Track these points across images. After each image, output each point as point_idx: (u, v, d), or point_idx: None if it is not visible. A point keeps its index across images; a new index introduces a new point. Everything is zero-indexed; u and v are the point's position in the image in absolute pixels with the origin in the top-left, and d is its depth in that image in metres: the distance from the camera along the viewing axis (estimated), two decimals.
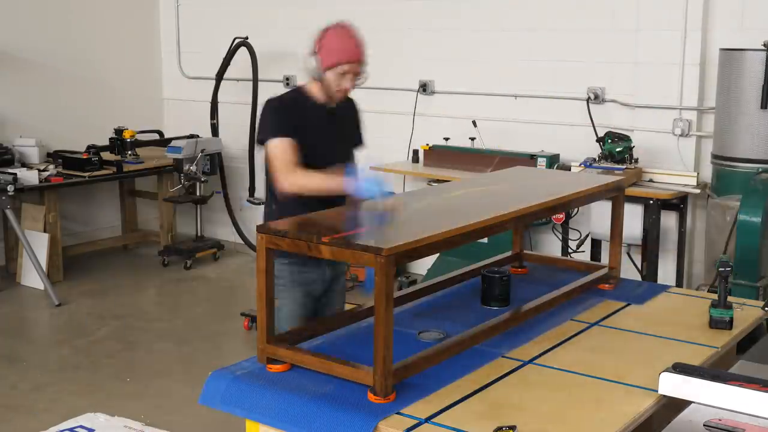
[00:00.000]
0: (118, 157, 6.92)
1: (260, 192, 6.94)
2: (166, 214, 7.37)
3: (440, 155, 6.12)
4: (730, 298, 3.02)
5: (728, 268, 2.93)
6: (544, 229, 5.98)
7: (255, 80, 7.04)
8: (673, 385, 2.31)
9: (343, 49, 3.11)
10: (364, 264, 2.35)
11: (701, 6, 5.23)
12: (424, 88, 6.49)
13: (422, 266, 6.15)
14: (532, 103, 6.02)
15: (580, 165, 5.35)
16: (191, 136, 7.37)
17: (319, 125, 3.20)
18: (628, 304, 3.23)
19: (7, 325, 5.79)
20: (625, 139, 5.28)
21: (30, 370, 4.96)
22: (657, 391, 2.36)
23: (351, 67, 3.12)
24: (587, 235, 5.58)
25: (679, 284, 5.34)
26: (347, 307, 3.34)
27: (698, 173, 5.27)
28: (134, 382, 4.78)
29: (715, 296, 2.99)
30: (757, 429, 2.10)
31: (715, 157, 4.97)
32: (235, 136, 7.46)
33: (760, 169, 4.66)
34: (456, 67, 6.36)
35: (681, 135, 5.37)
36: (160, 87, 8.14)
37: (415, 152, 6.31)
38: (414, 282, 5.96)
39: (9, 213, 6.15)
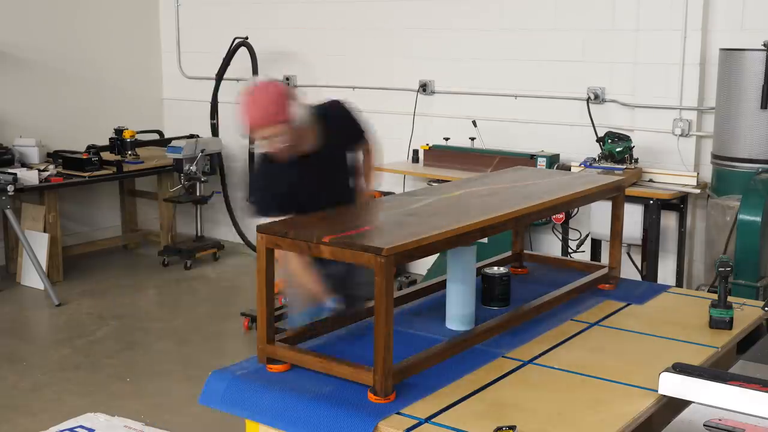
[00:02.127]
0: (118, 157, 6.92)
1: None
2: (166, 214, 7.36)
3: (440, 155, 6.12)
4: (730, 298, 3.02)
5: (728, 268, 2.93)
6: (544, 229, 5.98)
7: None
8: (673, 385, 2.31)
9: (244, 118, 2.89)
10: (365, 263, 2.34)
11: (701, 6, 5.23)
12: (424, 88, 6.49)
13: (422, 266, 6.14)
14: (532, 103, 6.02)
15: (580, 165, 5.35)
16: (191, 136, 7.38)
17: (294, 182, 3.01)
18: (628, 304, 3.23)
19: (7, 325, 5.79)
20: (625, 139, 5.28)
21: (30, 370, 4.96)
22: (657, 391, 2.36)
23: (258, 134, 2.90)
24: (587, 235, 5.58)
25: (679, 284, 5.34)
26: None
27: (698, 173, 5.28)
28: (134, 382, 4.78)
29: (715, 296, 2.99)
30: (757, 429, 2.10)
31: (715, 157, 4.97)
32: (235, 136, 7.42)
33: (760, 169, 4.66)
34: (456, 67, 6.36)
35: (681, 135, 5.37)
36: (160, 87, 8.14)
37: (415, 152, 6.31)
38: (414, 282, 5.96)
39: (9, 213, 6.14)
